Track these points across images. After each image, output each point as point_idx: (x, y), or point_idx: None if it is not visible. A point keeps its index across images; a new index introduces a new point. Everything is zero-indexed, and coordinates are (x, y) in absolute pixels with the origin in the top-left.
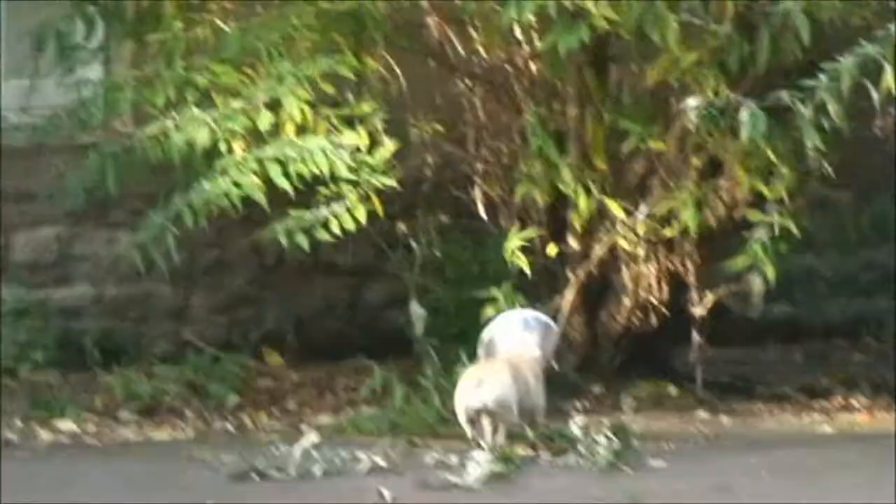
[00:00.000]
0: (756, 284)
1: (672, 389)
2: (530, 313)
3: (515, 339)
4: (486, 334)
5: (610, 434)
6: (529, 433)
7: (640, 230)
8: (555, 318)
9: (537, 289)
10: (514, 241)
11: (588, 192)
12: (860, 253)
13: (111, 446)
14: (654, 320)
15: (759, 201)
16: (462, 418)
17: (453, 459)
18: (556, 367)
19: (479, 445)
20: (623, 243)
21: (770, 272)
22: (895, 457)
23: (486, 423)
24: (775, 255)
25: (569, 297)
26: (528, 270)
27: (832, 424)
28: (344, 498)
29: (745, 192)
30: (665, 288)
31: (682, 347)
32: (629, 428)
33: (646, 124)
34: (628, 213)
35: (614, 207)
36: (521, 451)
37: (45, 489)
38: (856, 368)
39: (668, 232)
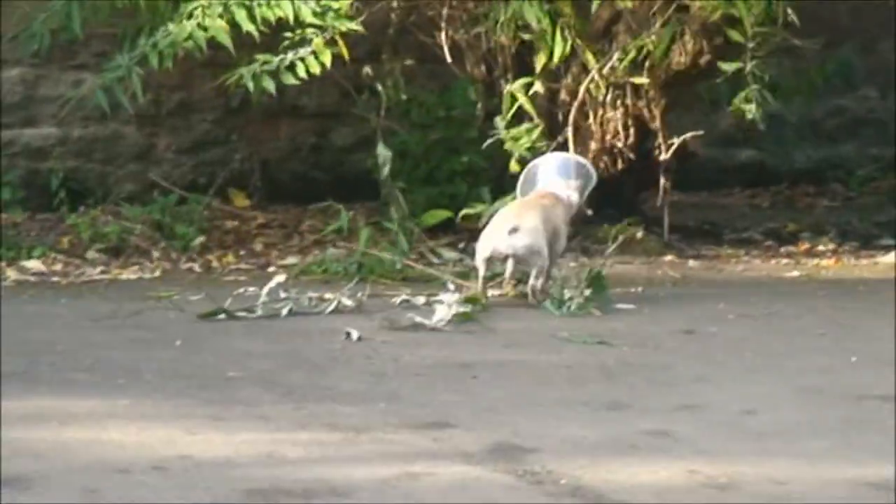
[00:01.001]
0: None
1: (640, 233)
2: (577, 158)
3: (558, 181)
4: (530, 167)
5: (580, 277)
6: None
7: (609, 74)
8: None
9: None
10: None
11: (558, 34)
12: (825, 99)
13: (78, 285)
14: (620, 164)
15: (724, 51)
16: (484, 261)
17: (420, 300)
18: (589, 212)
19: (485, 288)
20: (590, 88)
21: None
22: (861, 300)
23: (509, 265)
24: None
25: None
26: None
27: (799, 269)
28: (311, 337)
29: (710, 37)
30: (631, 132)
31: (649, 192)
32: (600, 271)
33: None
34: (597, 56)
35: (586, 51)
36: (491, 292)
37: (14, 327)
38: (822, 214)
39: (635, 77)
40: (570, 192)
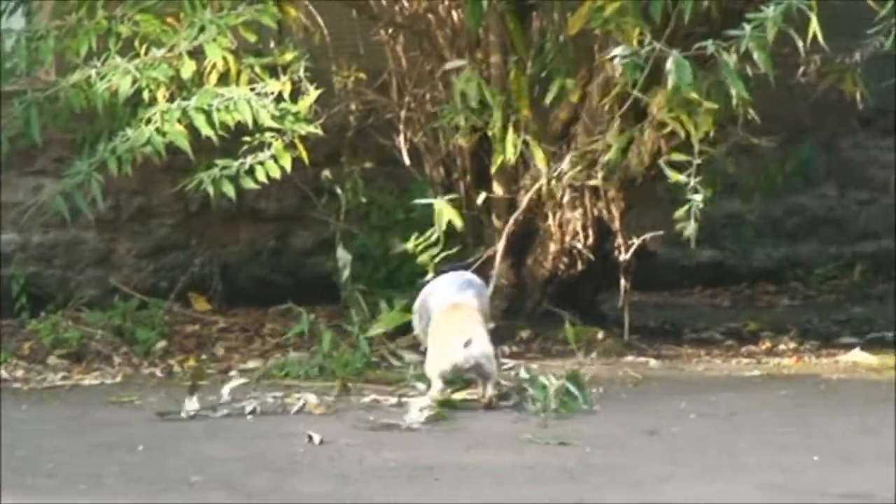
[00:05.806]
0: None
1: (600, 334)
2: (463, 274)
3: (451, 299)
4: (420, 297)
5: (549, 379)
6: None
7: (566, 176)
8: (484, 267)
9: (463, 237)
10: (444, 206)
11: (514, 136)
12: (785, 198)
13: (40, 391)
14: (580, 265)
15: (683, 148)
16: (441, 377)
17: (391, 401)
18: (491, 324)
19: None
20: (549, 188)
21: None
22: (822, 398)
23: (479, 377)
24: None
25: (498, 245)
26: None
27: (760, 368)
28: (274, 440)
29: (668, 137)
30: (591, 233)
31: (608, 292)
32: (577, 373)
33: (569, 73)
34: (552, 159)
35: (538, 156)
36: (465, 395)
37: None
38: (783, 312)
39: (592, 179)
40: (477, 299)
